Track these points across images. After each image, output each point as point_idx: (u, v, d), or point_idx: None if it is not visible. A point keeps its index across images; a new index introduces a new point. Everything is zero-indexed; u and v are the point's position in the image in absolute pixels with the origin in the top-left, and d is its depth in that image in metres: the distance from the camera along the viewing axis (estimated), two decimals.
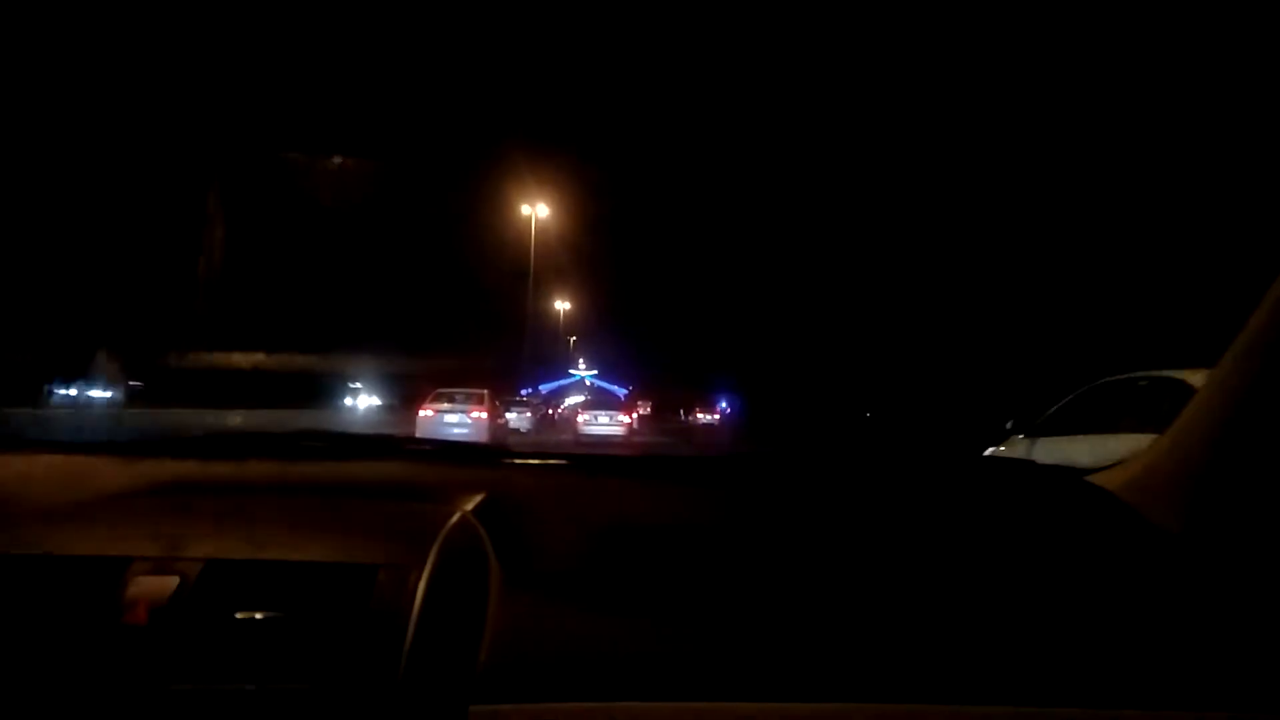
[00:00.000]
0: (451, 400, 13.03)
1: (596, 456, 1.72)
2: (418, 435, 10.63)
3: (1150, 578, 1.00)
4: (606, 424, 16.07)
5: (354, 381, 21.73)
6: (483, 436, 12.07)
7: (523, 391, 27.69)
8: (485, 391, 13.53)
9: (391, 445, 1.42)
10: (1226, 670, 0.92)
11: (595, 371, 57.13)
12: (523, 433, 17.60)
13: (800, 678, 0.94)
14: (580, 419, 16.69)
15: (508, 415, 17.24)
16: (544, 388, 41.77)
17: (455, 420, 12.43)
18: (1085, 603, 0.99)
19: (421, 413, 12.93)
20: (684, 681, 0.95)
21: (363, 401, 20.43)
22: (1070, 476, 1.23)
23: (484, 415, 12.78)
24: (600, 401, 20.17)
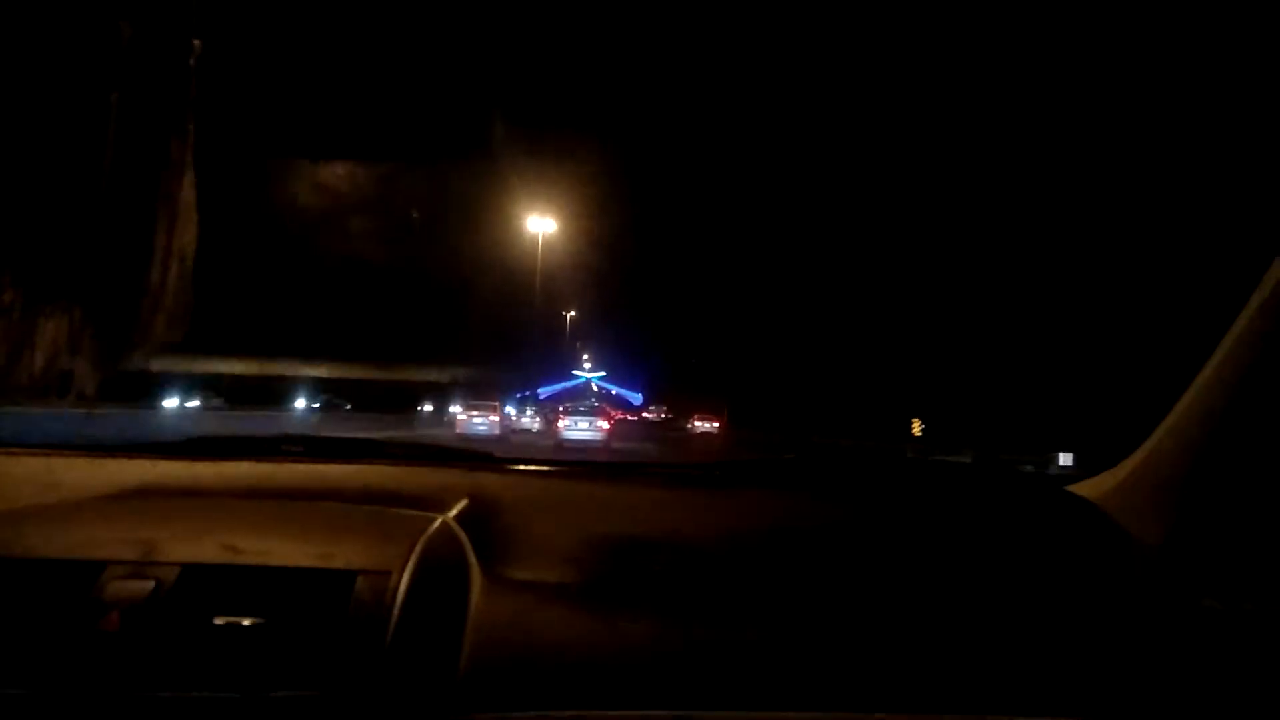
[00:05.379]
0: (477, 407, 19.56)
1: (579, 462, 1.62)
2: (458, 433, 16.86)
3: (1128, 588, 1.00)
4: (586, 430, 16.71)
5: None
6: (496, 431, 18.19)
7: (517, 395, 30.44)
8: (496, 403, 20.49)
9: (375, 447, 1.41)
10: (1203, 678, 0.92)
11: (603, 373, 50.58)
12: (534, 432, 22.42)
13: (786, 686, 0.94)
14: (561, 424, 17.68)
15: (523, 419, 24.01)
16: (542, 391, 38.20)
17: (480, 421, 18.96)
18: (1065, 612, 0.99)
19: (459, 417, 19.86)
20: (669, 690, 0.93)
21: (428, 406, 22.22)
22: (1052, 487, 1.23)
23: (497, 418, 19.59)
24: (582, 407, 20.83)
